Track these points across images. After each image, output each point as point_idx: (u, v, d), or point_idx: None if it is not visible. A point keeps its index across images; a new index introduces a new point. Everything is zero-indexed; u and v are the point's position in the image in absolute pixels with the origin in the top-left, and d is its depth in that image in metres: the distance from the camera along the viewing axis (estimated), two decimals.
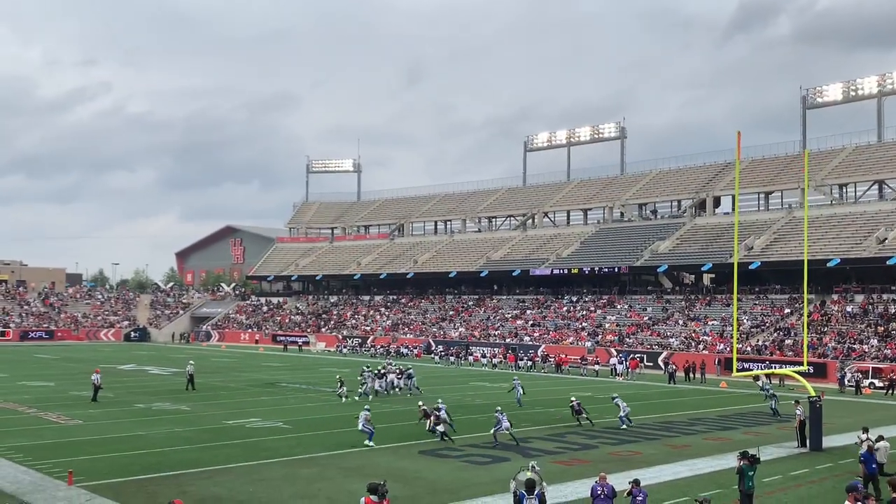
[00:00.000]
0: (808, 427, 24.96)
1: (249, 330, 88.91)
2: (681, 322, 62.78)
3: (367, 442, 24.23)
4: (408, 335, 75.07)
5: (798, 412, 25.47)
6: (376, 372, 39.60)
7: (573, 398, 29.72)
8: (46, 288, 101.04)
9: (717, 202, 76.76)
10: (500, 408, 26.17)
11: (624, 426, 28.28)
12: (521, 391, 35.09)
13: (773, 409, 32.27)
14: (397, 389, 39.05)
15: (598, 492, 14.62)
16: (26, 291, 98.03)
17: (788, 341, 53.41)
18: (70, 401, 34.21)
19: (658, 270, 71.22)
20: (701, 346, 56.51)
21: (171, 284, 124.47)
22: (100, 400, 33.60)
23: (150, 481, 19.17)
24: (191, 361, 41.97)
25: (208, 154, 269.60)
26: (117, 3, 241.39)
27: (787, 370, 35.74)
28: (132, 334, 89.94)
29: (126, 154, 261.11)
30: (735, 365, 35.37)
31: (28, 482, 18.86)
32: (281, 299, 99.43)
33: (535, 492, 14.03)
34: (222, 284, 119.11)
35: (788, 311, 59.14)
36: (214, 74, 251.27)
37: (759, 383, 33.30)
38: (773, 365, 47.24)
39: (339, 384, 36.17)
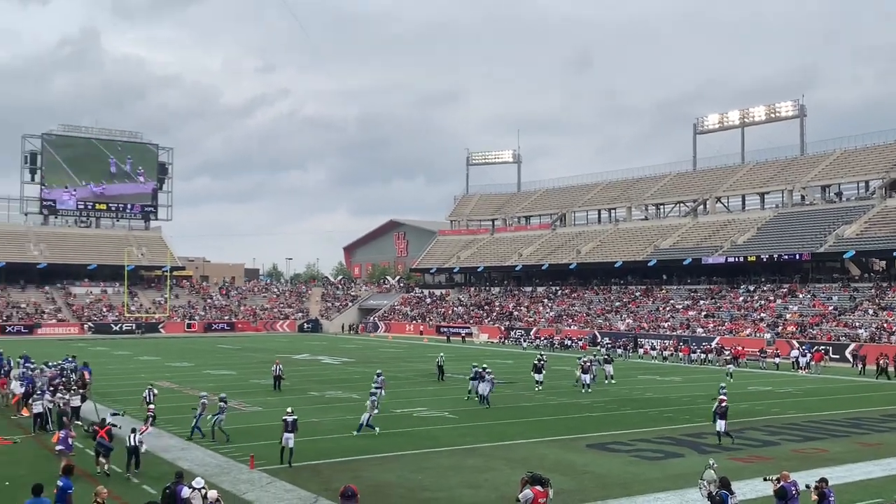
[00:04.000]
0: None
1: (414, 321, 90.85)
2: (870, 311, 58.14)
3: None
4: (572, 326, 74.05)
5: None
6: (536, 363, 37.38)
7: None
8: (227, 282, 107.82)
9: None
10: (224, 395, 24.32)
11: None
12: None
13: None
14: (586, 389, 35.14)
15: (793, 492, 13.67)
16: (209, 286, 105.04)
17: None
18: (250, 388, 36.03)
19: (844, 256, 66.33)
20: (894, 338, 52.08)
21: (339, 278, 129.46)
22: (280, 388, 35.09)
23: (324, 466, 19.72)
24: (441, 354, 43.19)
25: (377, 151, 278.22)
26: (291, 9, 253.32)
27: None
28: (305, 325, 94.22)
29: (300, 154, 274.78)
30: None
31: (214, 465, 19.88)
32: (443, 291, 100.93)
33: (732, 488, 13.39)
34: (387, 277, 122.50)
35: None
36: (383, 72, 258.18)
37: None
38: None
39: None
